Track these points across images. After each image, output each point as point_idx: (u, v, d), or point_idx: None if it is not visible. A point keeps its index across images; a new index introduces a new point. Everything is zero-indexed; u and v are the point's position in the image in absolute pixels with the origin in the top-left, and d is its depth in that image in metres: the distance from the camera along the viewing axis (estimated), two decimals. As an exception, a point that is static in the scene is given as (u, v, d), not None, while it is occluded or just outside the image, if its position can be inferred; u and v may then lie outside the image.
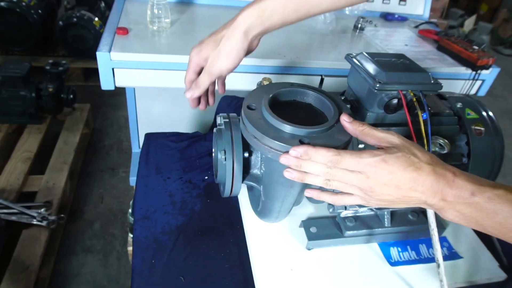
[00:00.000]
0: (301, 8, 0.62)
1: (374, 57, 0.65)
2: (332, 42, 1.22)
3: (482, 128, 0.70)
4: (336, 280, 0.69)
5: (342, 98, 0.70)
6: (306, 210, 0.81)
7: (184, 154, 0.97)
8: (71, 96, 1.82)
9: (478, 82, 1.22)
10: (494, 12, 4.48)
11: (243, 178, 0.65)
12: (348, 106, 0.67)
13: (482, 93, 1.24)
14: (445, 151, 0.65)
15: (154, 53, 0.95)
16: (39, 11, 2.20)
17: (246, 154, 0.65)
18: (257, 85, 0.75)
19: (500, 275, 0.75)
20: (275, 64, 1.02)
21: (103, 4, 2.48)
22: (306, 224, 0.76)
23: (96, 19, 2.29)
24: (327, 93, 0.56)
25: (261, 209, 0.67)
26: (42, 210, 1.40)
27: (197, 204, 0.84)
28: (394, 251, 0.77)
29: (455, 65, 1.17)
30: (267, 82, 0.72)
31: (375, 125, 0.65)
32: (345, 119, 0.50)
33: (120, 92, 2.43)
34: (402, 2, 1.49)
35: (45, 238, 1.33)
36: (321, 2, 0.62)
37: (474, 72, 1.17)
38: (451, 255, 0.78)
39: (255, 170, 0.67)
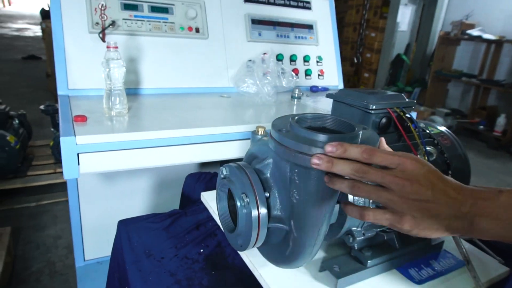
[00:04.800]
0: None
1: (352, 90, 0.74)
2: (279, 109, 1.34)
3: (447, 139, 0.81)
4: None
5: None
6: (317, 255, 0.79)
7: (170, 232, 0.89)
8: (-11, 219, 1.55)
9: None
10: (371, 91, 5.43)
11: (266, 221, 0.63)
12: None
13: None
14: (433, 158, 0.73)
15: (126, 132, 0.92)
16: None
17: (267, 194, 0.63)
18: (252, 134, 0.76)
19: (505, 270, 0.80)
20: (245, 129, 1.06)
21: (16, 121, 2.32)
22: (328, 264, 0.73)
23: (10, 135, 2.11)
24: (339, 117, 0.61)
25: (292, 250, 0.63)
26: None
27: (204, 278, 0.75)
28: (413, 272, 0.77)
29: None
30: (262, 129, 0.75)
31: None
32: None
33: (41, 211, 2.17)
34: (320, 77, 1.74)
35: None
36: None
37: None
38: (458, 263, 0.81)
39: (275, 212, 0.65)
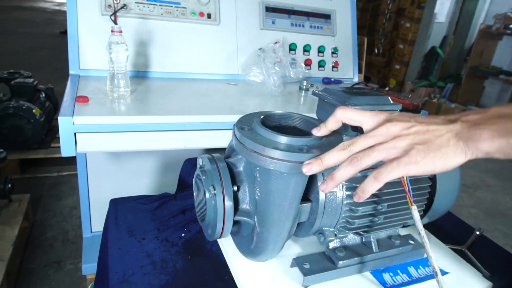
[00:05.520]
0: None
1: (336, 89, 0.73)
2: (284, 100, 1.33)
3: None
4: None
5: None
6: (294, 250, 0.79)
7: (156, 215, 0.92)
8: (9, 186, 1.67)
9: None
10: (401, 84, 5.25)
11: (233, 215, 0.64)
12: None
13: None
14: (415, 164, 0.71)
15: (121, 115, 0.95)
16: (-28, 104, 2.10)
17: (235, 188, 0.64)
18: (234, 126, 0.77)
19: (486, 285, 0.78)
20: (235, 120, 1.07)
21: (43, 95, 2.44)
22: (299, 261, 0.74)
23: (36, 108, 2.23)
24: (309, 117, 0.61)
25: (256, 244, 0.64)
26: (-27, 319, 1.16)
27: (179, 262, 0.78)
28: (387, 277, 0.76)
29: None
30: (243, 122, 0.75)
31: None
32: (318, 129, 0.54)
33: (61, 182, 2.29)
34: (334, 69, 1.71)
35: None
36: None
37: (408, 116, 1.34)
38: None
39: (243, 206, 0.66)
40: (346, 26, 1.73)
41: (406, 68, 5.10)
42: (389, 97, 0.71)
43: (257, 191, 0.58)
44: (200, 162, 0.70)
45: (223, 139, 1.07)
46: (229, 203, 0.62)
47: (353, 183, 0.68)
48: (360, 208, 0.69)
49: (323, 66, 1.68)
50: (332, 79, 1.66)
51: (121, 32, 1.04)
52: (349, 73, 1.75)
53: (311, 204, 0.68)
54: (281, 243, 0.63)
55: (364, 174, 0.66)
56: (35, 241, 1.78)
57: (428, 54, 4.94)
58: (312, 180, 0.67)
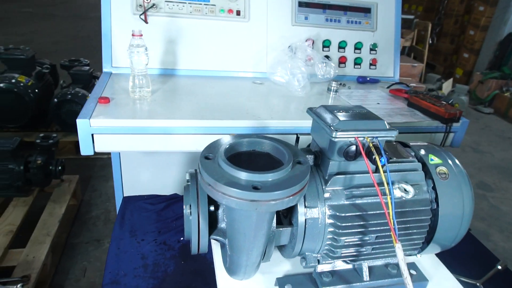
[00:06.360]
0: None
1: (333, 108, 0.68)
2: (308, 103, 1.29)
3: (447, 172, 0.71)
4: None
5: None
6: (283, 267, 0.79)
7: (161, 216, 0.96)
8: (60, 168, 1.84)
9: (451, 134, 1.26)
10: (469, 75, 4.76)
11: (210, 233, 0.65)
12: (312, 156, 0.69)
13: (456, 144, 1.27)
14: (410, 196, 0.65)
15: (132, 118, 1.00)
16: (36, 90, 2.33)
17: (212, 208, 0.65)
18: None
19: (491, 329, 0.70)
20: (250, 125, 1.06)
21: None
22: (281, 281, 0.73)
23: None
24: (284, 142, 0.59)
25: (229, 265, 0.64)
26: (19, 285, 1.33)
27: (171, 266, 0.81)
28: (376, 307, 0.73)
29: (425, 119, 1.22)
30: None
31: (339, 173, 0.67)
32: None
33: (110, 164, 2.45)
34: (372, 66, 1.60)
35: (18, 317, 1.25)
36: None
37: (445, 125, 1.22)
38: (437, 309, 0.74)
39: (222, 225, 0.66)
40: (389, 20, 1.61)
41: (476, 57, 4.61)
42: (385, 122, 0.66)
43: (224, 217, 0.58)
44: (187, 176, 0.71)
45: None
46: (203, 223, 0.63)
47: (337, 212, 0.65)
48: (343, 238, 0.65)
49: (359, 64, 1.58)
50: (368, 78, 1.57)
51: (141, 35, 1.08)
52: (389, 71, 1.63)
53: (292, 228, 0.66)
54: (252, 267, 0.62)
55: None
56: (81, 218, 1.96)
57: (503, 42, 4.40)
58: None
